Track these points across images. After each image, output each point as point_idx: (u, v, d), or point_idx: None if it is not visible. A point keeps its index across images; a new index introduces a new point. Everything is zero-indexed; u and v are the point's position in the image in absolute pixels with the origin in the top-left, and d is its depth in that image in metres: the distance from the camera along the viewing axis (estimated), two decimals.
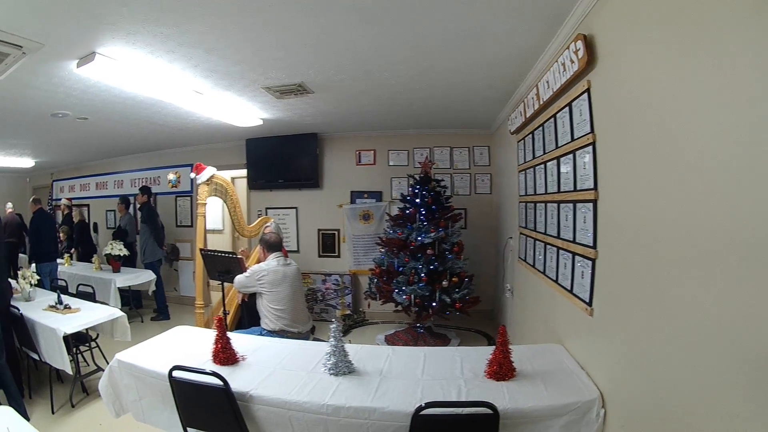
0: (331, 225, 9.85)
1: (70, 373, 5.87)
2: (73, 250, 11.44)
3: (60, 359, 5.69)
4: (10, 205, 12.55)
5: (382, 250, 7.81)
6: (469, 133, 9.14)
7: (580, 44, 3.47)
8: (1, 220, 6.65)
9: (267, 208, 10.33)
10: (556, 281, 4.26)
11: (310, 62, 5.29)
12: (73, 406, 6.10)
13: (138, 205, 10.74)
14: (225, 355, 4.12)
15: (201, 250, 6.96)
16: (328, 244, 9.92)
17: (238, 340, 4.43)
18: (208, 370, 3.53)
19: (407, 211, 7.54)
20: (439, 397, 3.20)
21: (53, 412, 5.93)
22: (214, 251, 6.93)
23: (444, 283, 6.89)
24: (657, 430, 2.52)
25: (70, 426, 5.64)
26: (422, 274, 6.94)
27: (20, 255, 11.65)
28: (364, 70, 5.57)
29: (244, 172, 10.54)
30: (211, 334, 4.69)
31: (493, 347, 3.66)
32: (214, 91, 6.30)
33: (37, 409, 6.05)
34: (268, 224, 7.94)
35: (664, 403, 2.44)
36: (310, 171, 9.74)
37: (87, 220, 13.56)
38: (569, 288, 3.86)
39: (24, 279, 7.09)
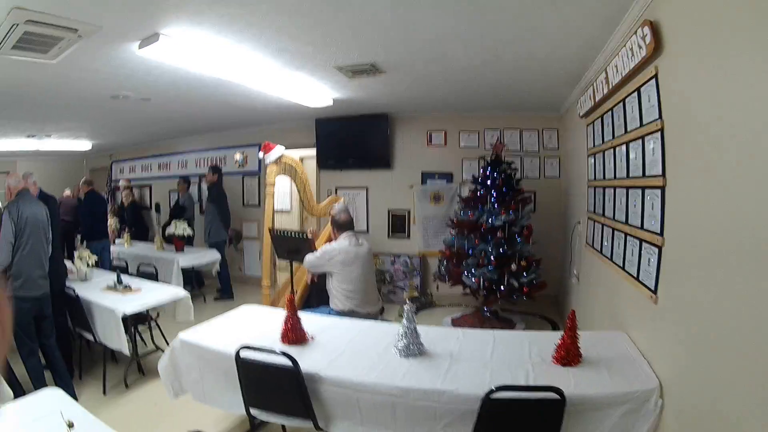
0: (402, 206, 9.86)
1: (127, 353, 5.88)
2: (127, 230, 11.60)
3: (117, 340, 5.75)
4: (68, 191, 12.92)
5: (453, 231, 7.81)
6: (539, 115, 9.05)
7: (647, 30, 3.43)
8: (57, 200, 6.74)
9: (337, 188, 10.40)
10: (622, 268, 4.20)
11: (383, 42, 5.20)
12: (127, 387, 6.12)
13: (207, 185, 10.78)
14: (294, 334, 4.14)
15: (270, 230, 7.03)
16: (398, 225, 9.94)
17: (307, 319, 4.41)
18: (277, 350, 3.57)
19: (479, 193, 7.53)
20: (508, 381, 3.19)
21: (105, 393, 5.96)
22: (284, 231, 7.06)
23: (513, 266, 6.87)
24: (709, 425, 2.50)
25: (123, 406, 5.68)
26: (491, 257, 6.93)
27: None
28: (436, 52, 5.49)
29: (312, 151, 10.56)
30: (278, 314, 4.85)
31: (561, 332, 3.67)
32: (285, 71, 6.25)
33: (87, 390, 6.07)
34: (334, 205, 7.79)
35: (719, 400, 2.42)
36: (380, 151, 9.76)
37: (142, 201, 14.17)
38: (635, 275, 3.81)
39: (80, 259, 7.17)
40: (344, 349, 3.99)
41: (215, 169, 10.61)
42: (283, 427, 4.46)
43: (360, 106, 8.83)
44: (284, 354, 3.49)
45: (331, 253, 5.80)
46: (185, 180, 11.97)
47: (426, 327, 4.15)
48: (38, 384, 5.30)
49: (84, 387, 6.13)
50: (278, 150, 7.24)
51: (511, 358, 3.71)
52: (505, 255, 6.99)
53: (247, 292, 10.62)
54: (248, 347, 3.66)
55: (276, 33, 4.83)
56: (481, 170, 7.80)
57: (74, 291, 6.13)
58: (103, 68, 5.81)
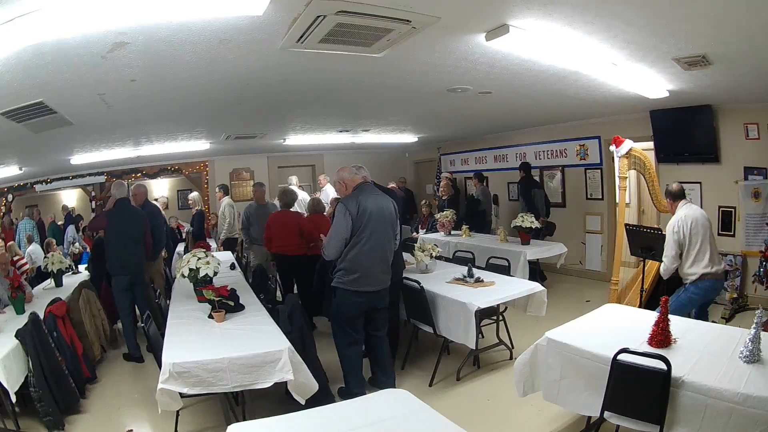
0: (728, 202, 9.62)
1: (473, 347, 5.80)
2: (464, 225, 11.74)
3: (463, 334, 5.78)
4: (392, 183, 13.81)
5: None
6: None
7: None
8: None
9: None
10: None
11: (714, 34, 5.12)
12: (458, 380, 6.23)
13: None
14: (663, 337, 4.18)
15: (626, 225, 7.12)
16: (726, 222, 9.69)
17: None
18: (653, 353, 3.73)
19: None
20: None
21: (430, 384, 6.11)
22: (640, 227, 7.28)
23: None
24: None
25: (449, 399, 5.79)
26: None
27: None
28: (756, 42, 5.31)
29: (644, 144, 10.01)
30: (637, 313, 5.26)
31: None
32: (628, 63, 6.21)
33: (410, 380, 6.21)
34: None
35: None
36: (708, 144, 9.57)
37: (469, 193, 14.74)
38: None
39: (422, 251, 7.44)
40: (702, 353, 4.03)
41: (523, 166, 11.81)
42: (617, 429, 4.41)
43: (689, 97, 8.63)
44: (659, 357, 3.65)
45: (679, 223, 5.94)
46: (477, 175, 13.09)
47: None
48: (352, 374, 5.69)
49: (406, 377, 6.36)
50: (627, 144, 7.24)
51: None
52: None
53: (585, 285, 11.20)
54: (627, 351, 3.80)
55: (624, 24, 4.86)
56: None
57: (419, 284, 6.27)
58: (440, 61, 5.94)
